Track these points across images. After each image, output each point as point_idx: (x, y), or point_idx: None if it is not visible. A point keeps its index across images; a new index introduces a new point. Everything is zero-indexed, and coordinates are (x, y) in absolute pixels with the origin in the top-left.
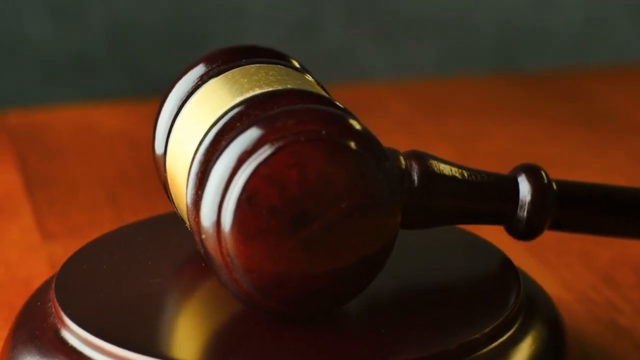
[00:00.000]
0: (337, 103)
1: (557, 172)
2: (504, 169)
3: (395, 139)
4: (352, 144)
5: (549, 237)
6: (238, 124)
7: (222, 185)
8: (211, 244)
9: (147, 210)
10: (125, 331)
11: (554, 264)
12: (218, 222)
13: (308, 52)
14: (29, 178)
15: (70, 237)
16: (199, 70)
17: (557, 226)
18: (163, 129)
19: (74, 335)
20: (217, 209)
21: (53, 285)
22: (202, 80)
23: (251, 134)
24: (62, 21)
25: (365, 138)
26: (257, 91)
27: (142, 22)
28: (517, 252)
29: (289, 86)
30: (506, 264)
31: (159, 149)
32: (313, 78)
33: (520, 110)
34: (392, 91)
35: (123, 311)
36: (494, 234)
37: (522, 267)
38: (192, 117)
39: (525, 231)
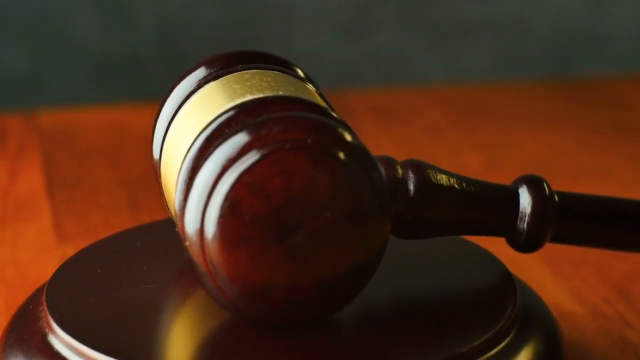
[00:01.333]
0: (331, 112)
1: (586, 182)
2: None
3: (423, 145)
4: (339, 153)
5: (565, 248)
6: (226, 130)
7: (206, 193)
8: (195, 252)
9: (166, 214)
10: (110, 338)
11: (568, 274)
12: (201, 230)
13: (358, 54)
14: (52, 178)
15: (85, 239)
16: (198, 74)
17: (559, 239)
18: (160, 133)
19: (59, 340)
20: (200, 216)
21: (45, 289)
22: (199, 84)
23: (236, 141)
24: (112, 21)
25: (354, 148)
26: (248, 97)
27: (191, 22)
28: (532, 262)
29: (281, 93)
30: (505, 276)
31: (155, 153)
32: (315, 87)
33: (556, 118)
34: (427, 97)
35: (111, 318)
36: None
37: (535, 278)
38: (185, 122)
39: (526, 243)
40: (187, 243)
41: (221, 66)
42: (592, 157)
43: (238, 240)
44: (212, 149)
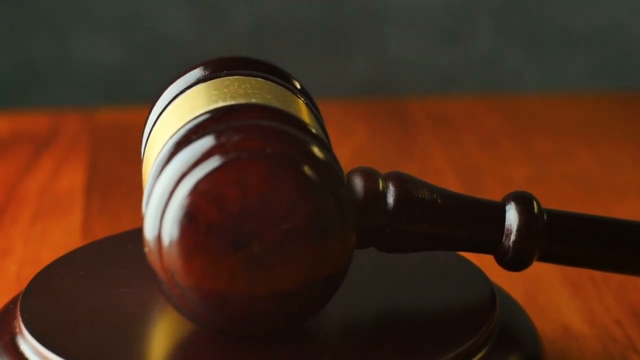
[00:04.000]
0: (308, 125)
1: (632, 201)
2: (576, 193)
3: (472, 155)
4: (299, 165)
5: None
6: (194, 137)
7: (164, 200)
8: (153, 258)
9: None
10: (73, 341)
11: (588, 294)
12: (159, 237)
13: (454, 61)
14: (93, 178)
15: None
16: (187, 77)
17: (548, 258)
18: (145, 136)
19: (24, 340)
20: (158, 223)
21: (23, 289)
22: (185, 88)
23: (195, 148)
24: (205, 21)
25: (317, 161)
26: (220, 104)
27: (284, 24)
28: (552, 279)
29: (254, 100)
30: (489, 293)
31: (142, 155)
32: (308, 99)
33: (616, 132)
34: (490, 106)
35: (79, 321)
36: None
37: (553, 296)
38: (162, 126)
39: (512, 261)
40: (146, 249)
41: (212, 70)
42: None
43: (194, 249)
44: (174, 155)
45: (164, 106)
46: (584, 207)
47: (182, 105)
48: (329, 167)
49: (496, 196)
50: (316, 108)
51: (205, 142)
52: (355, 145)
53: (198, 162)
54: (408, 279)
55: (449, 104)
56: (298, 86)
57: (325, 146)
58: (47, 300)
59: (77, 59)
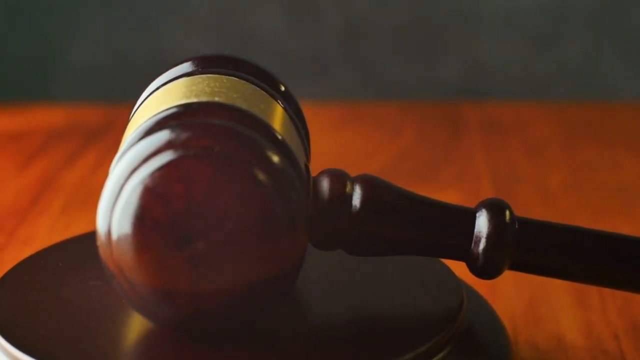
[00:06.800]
0: (267, 125)
1: None
2: (611, 203)
3: (514, 161)
4: (247, 165)
5: None
6: (149, 133)
7: (115, 194)
8: (103, 252)
9: None
10: (31, 333)
11: (591, 305)
12: (109, 231)
13: (549, 66)
14: None
15: None
16: (173, 72)
17: (519, 267)
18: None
19: None
20: (108, 217)
21: None
22: (164, 84)
23: (146, 144)
24: (296, 20)
25: (269, 162)
26: (183, 101)
27: (375, 23)
28: (558, 289)
29: (217, 99)
30: (459, 298)
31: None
32: (286, 103)
33: None
34: (548, 112)
35: (45, 312)
36: None
37: (555, 305)
38: (133, 121)
39: (482, 269)
40: (98, 243)
41: (196, 67)
42: None
43: (141, 245)
44: (128, 150)
45: (145, 97)
46: (615, 218)
47: (156, 99)
48: (280, 169)
49: (527, 204)
50: (299, 113)
51: (157, 139)
52: (400, 147)
53: (147, 158)
54: (381, 280)
55: (503, 109)
56: (282, 89)
57: (286, 148)
58: (20, 292)
59: (170, 52)
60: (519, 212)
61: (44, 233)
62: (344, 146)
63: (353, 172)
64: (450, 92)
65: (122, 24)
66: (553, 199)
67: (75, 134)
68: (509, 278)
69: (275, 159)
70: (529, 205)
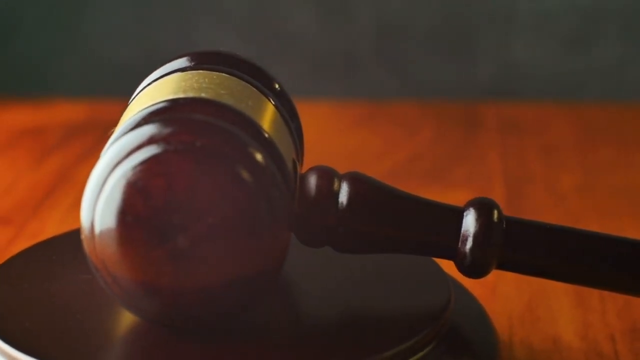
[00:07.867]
0: (252, 122)
1: None
2: (622, 204)
3: (528, 161)
4: (228, 161)
5: None
6: (134, 127)
7: (98, 187)
8: (87, 245)
9: None
10: (16, 325)
11: (591, 306)
12: (92, 225)
13: (580, 67)
14: None
15: None
16: (168, 66)
17: (507, 267)
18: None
19: None
20: (92, 211)
21: None
22: (158, 79)
23: (129, 139)
24: (330, 20)
25: (251, 158)
26: (171, 96)
27: (409, 24)
28: (559, 289)
29: (203, 95)
30: (447, 296)
31: None
32: (278, 101)
33: None
34: (568, 114)
35: (32, 305)
36: None
37: (554, 306)
38: (123, 117)
39: (470, 268)
40: (82, 236)
41: (190, 62)
42: None
43: (122, 239)
44: (113, 143)
45: (138, 92)
46: (623, 219)
47: (146, 94)
48: (263, 166)
49: (536, 205)
50: (293, 111)
51: (140, 133)
52: (415, 146)
53: (130, 153)
54: (369, 277)
55: (526, 109)
56: (277, 87)
57: (271, 145)
58: (11, 283)
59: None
60: (527, 213)
61: (53, 227)
62: (359, 144)
63: (365, 171)
64: (481, 93)
65: (154, 20)
66: (562, 200)
67: (95, 129)
68: (509, 278)
69: (258, 155)
70: (537, 206)
